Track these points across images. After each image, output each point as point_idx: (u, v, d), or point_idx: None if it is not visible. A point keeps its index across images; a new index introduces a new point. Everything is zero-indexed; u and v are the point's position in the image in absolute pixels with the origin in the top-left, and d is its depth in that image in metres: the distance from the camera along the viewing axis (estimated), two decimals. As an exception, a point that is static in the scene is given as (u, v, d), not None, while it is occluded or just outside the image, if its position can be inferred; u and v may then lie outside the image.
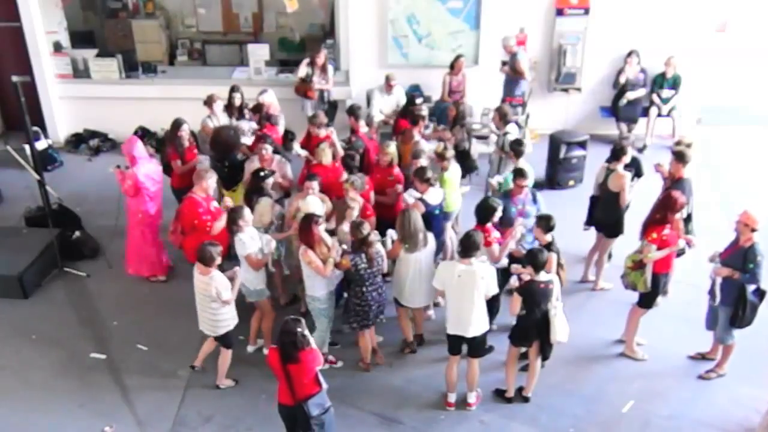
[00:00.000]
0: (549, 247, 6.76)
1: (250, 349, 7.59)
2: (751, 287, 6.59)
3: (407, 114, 9.29)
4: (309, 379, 5.74)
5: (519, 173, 7.57)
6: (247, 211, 7.04)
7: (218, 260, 6.59)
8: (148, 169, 8.23)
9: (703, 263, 6.96)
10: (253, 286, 7.17)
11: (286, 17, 12.37)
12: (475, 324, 6.51)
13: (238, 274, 6.88)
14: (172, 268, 8.72)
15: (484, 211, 7.05)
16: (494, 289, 6.54)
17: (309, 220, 6.76)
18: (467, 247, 6.40)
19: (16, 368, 7.46)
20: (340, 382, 7.12)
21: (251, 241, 6.97)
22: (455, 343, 6.70)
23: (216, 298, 6.61)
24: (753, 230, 6.51)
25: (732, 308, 6.70)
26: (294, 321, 5.67)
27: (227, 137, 8.52)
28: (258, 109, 9.27)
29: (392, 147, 8.27)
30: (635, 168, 8.08)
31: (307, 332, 5.70)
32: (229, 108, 9.44)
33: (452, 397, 6.90)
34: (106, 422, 6.76)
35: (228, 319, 6.82)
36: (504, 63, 10.86)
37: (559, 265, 6.91)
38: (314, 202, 7.41)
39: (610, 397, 6.99)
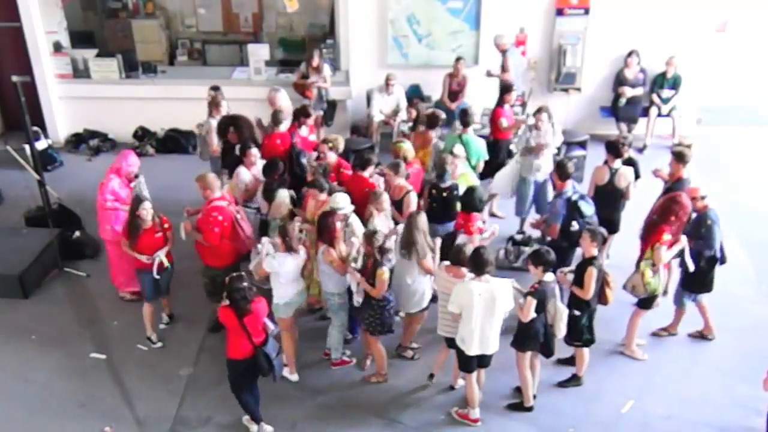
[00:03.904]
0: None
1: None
2: (707, 253, 6.94)
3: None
4: (261, 325, 6.16)
5: (558, 167, 7.65)
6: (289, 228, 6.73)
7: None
8: (119, 187, 7.92)
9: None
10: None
11: (286, 17, 12.40)
12: (496, 339, 6.38)
13: None
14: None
15: (472, 200, 7.21)
16: (511, 304, 6.30)
17: (328, 216, 6.73)
18: (480, 264, 6.13)
19: (16, 368, 7.46)
20: (340, 381, 7.14)
21: (264, 253, 6.78)
22: (474, 362, 6.47)
23: None
24: (702, 198, 6.92)
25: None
26: (237, 278, 6.06)
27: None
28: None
29: (407, 144, 8.24)
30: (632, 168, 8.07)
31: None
32: (215, 106, 9.15)
33: (477, 412, 6.70)
34: (106, 422, 6.76)
35: None
36: (489, 74, 10.77)
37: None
38: (343, 199, 7.13)
39: (610, 397, 6.99)
